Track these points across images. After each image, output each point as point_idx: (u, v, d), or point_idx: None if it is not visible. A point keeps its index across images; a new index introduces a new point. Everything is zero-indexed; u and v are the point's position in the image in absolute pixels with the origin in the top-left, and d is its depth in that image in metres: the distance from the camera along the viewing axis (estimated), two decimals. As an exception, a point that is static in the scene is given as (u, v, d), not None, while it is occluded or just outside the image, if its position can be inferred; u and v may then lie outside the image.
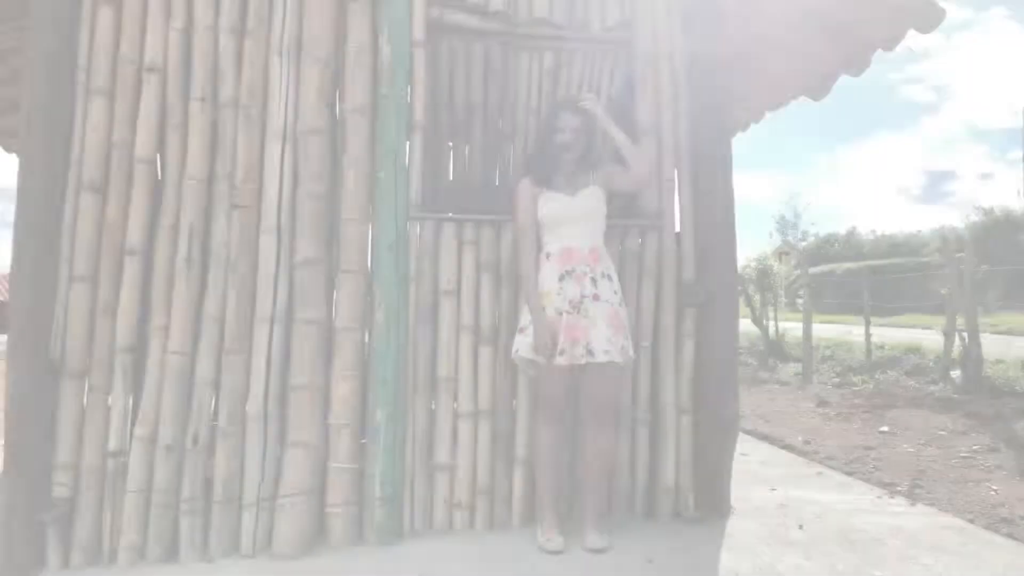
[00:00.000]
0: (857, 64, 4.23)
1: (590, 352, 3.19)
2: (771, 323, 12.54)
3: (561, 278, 3.28)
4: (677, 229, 3.81)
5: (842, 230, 46.87)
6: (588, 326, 3.21)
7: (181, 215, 3.34)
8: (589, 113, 3.47)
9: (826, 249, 40.27)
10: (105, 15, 3.36)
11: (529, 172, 3.50)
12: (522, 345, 3.31)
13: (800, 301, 11.89)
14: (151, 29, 3.39)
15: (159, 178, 3.41)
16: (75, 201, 3.29)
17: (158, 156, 3.41)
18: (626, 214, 3.73)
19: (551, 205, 3.36)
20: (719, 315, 3.72)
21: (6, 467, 3.15)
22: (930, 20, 3.66)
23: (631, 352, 3.36)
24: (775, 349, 11.68)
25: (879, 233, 44.40)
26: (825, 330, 13.41)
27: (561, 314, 3.24)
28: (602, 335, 3.21)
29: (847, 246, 41.50)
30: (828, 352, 11.06)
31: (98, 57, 3.34)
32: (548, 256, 3.35)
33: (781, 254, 15.79)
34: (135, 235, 3.33)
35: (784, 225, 49.09)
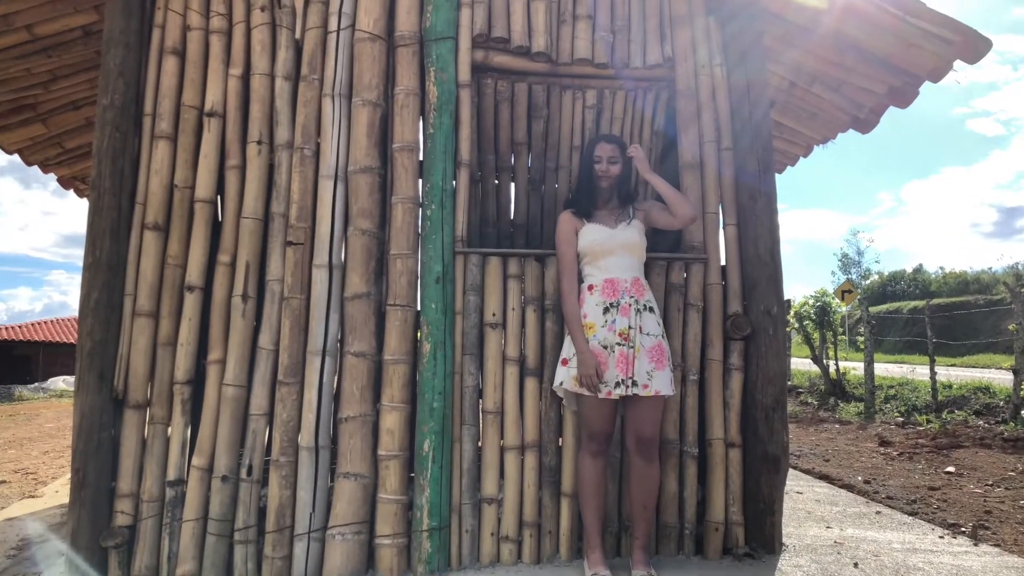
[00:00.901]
0: (904, 96, 4.19)
1: (634, 385, 3.20)
2: (831, 362, 12.25)
3: (606, 310, 3.30)
4: (723, 263, 3.81)
5: (908, 267, 45.61)
6: (632, 359, 3.22)
7: (238, 252, 3.49)
8: (630, 153, 3.52)
9: (892, 287, 39.22)
10: (170, 64, 3.57)
11: (570, 205, 3.56)
12: (566, 377, 3.34)
13: (861, 339, 11.60)
14: (212, 76, 3.59)
15: (218, 217, 3.57)
16: (139, 240, 3.48)
17: (217, 196, 3.57)
18: (671, 248, 3.75)
19: (592, 236, 3.40)
20: (767, 348, 3.69)
21: (72, 496, 3.29)
22: (976, 51, 3.63)
23: (673, 386, 3.36)
24: (836, 388, 11.39)
25: (948, 270, 43.05)
26: (889, 370, 13.06)
27: (606, 347, 3.26)
28: (644, 368, 3.22)
29: (913, 284, 40.33)
30: (892, 391, 10.74)
31: (163, 104, 3.55)
32: (591, 288, 3.38)
33: (844, 292, 15.44)
34: (194, 272, 3.49)
35: (847, 263, 48.10)
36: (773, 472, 3.64)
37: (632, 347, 3.24)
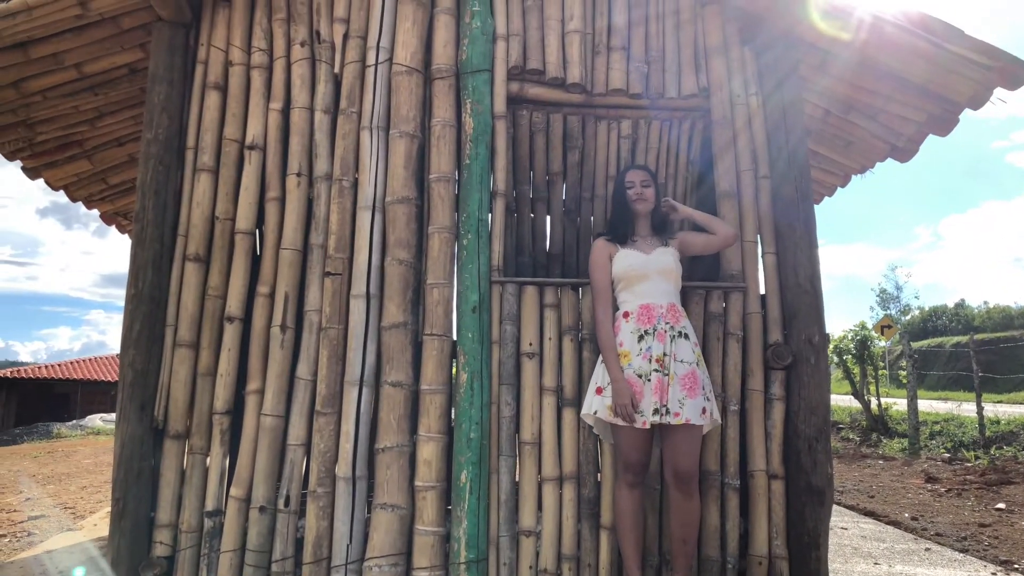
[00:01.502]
0: (944, 124, 4.15)
1: (667, 413, 3.16)
2: (873, 397, 12.00)
3: (641, 338, 3.27)
4: (762, 292, 3.77)
5: (949, 302, 44.65)
6: (667, 387, 3.18)
7: (277, 283, 3.52)
8: (671, 206, 3.53)
9: (932, 322, 38.47)
10: (212, 99, 3.65)
11: (605, 233, 3.56)
12: (600, 406, 3.29)
13: (903, 374, 11.35)
14: (253, 110, 3.66)
15: (257, 249, 3.62)
16: (180, 271, 3.53)
17: (257, 228, 3.62)
18: (709, 277, 3.72)
19: (628, 261, 3.38)
20: (808, 378, 3.62)
21: (112, 525, 3.30)
22: (1016, 77, 3.59)
23: (715, 415, 3.30)
24: (878, 424, 11.14)
25: (991, 305, 42.02)
26: (933, 406, 12.76)
27: (640, 376, 3.22)
28: (677, 396, 3.18)
29: (955, 319, 39.47)
30: (937, 427, 10.48)
31: (205, 138, 3.62)
32: (627, 315, 3.35)
33: (883, 327, 15.18)
34: (234, 303, 3.53)
35: (885, 298, 47.33)
36: (818, 504, 3.54)
37: (667, 374, 3.20)
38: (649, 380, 3.19)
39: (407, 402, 3.44)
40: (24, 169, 4.71)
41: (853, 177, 5.25)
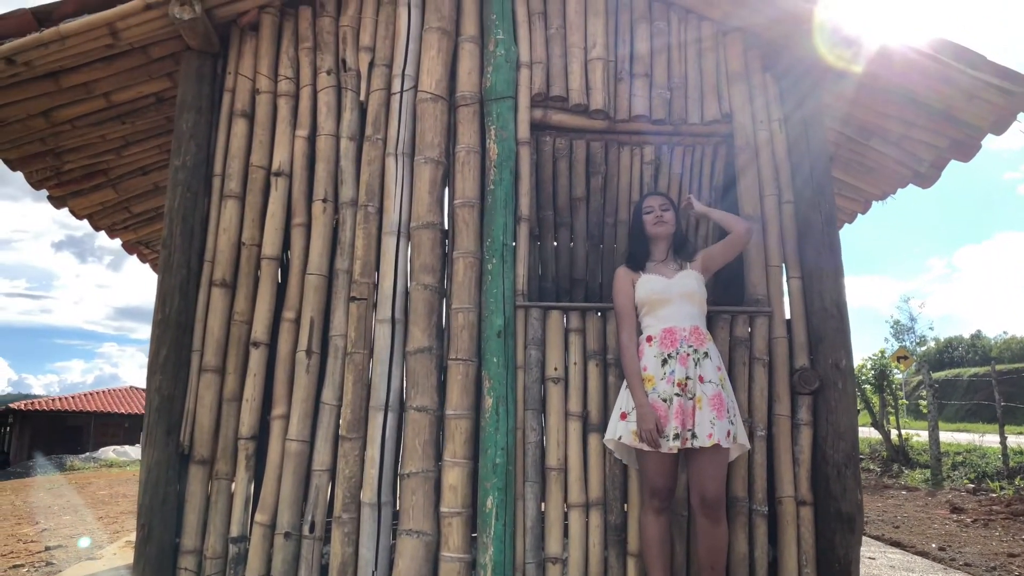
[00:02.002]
0: (966, 150, 4.15)
1: (693, 437, 3.13)
2: (893, 428, 11.86)
3: (664, 361, 3.26)
4: (787, 316, 3.75)
5: (964, 333, 44.15)
6: (692, 410, 3.16)
7: (303, 308, 3.53)
8: (684, 201, 3.54)
9: (949, 353, 38.10)
10: (239, 126, 3.69)
11: (626, 260, 3.56)
12: (625, 432, 3.27)
13: (923, 403, 11.23)
14: (279, 138, 3.70)
15: (283, 274, 3.64)
16: (207, 297, 3.54)
17: (282, 254, 3.64)
18: (735, 301, 3.71)
19: (650, 286, 3.38)
20: (836, 402, 3.59)
21: (137, 551, 3.28)
22: (1040, 101, 3.60)
23: (741, 439, 3.27)
24: (899, 455, 11.01)
25: (1008, 335, 41.50)
26: (953, 437, 12.60)
27: (665, 400, 3.20)
28: (705, 418, 3.16)
29: (972, 350, 39.06)
30: (959, 458, 10.34)
31: (232, 164, 3.66)
32: (650, 339, 3.34)
33: (899, 358, 15.05)
34: (260, 328, 3.54)
35: (900, 330, 46.94)
36: (848, 532, 3.49)
37: (692, 397, 3.18)
38: (672, 404, 3.17)
39: (432, 427, 3.43)
40: (50, 198, 4.75)
41: (873, 203, 5.25)
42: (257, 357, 3.52)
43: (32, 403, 31.14)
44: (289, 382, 3.49)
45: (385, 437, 3.41)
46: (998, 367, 12.55)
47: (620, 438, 3.28)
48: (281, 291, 3.61)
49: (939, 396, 12.41)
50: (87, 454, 25.28)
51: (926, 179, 4.53)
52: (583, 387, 3.56)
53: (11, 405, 31.01)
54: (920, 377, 13.03)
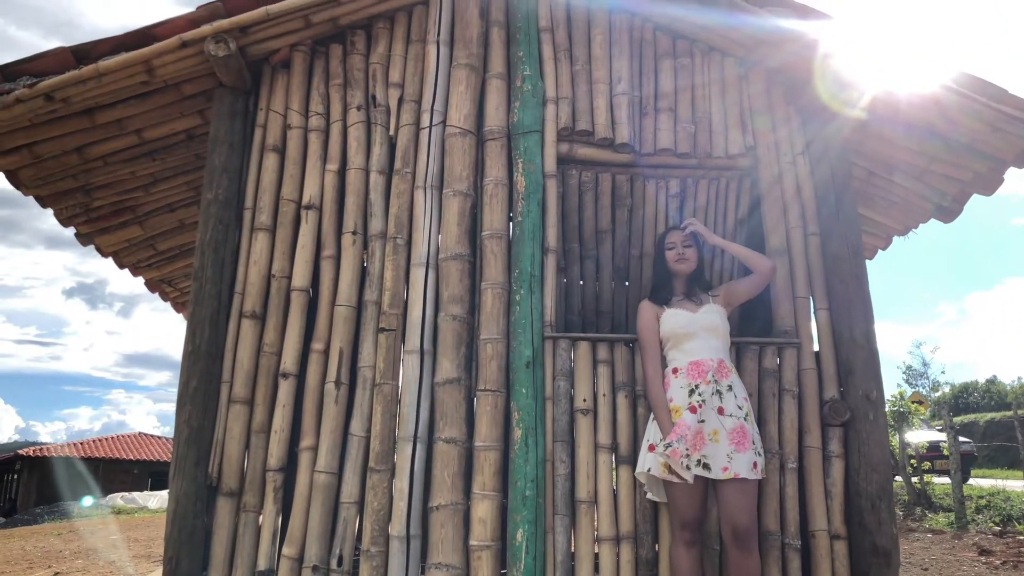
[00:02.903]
0: (989, 183, 4.16)
1: (707, 467, 3.12)
2: (913, 471, 11.70)
3: (691, 392, 3.25)
4: (816, 348, 3.74)
5: (978, 379, 43.60)
6: (712, 440, 3.15)
7: (332, 339, 3.55)
8: (687, 222, 3.56)
9: (964, 399, 37.67)
10: (271, 161, 3.75)
11: (650, 294, 3.57)
12: (653, 464, 3.25)
13: (944, 445, 11.08)
14: (310, 172, 3.76)
15: (311, 306, 3.65)
16: (236, 328, 3.56)
17: (311, 285, 3.67)
18: (763, 333, 3.70)
19: (675, 320, 3.39)
20: (867, 434, 3.56)
21: (163, 584, 3.25)
22: (1063, 133, 3.62)
23: (762, 470, 3.25)
24: (921, 498, 10.85)
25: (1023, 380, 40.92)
26: (974, 482, 12.42)
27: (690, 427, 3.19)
28: (722, 451, 3.15)
29: (987, 395, 38.62)
30: (983, 501, 10.19)
31: (263, 198, 3.71)
32: (676, 371, 3.35)
33: (915, 403, 14.89)
34: (289, 359, 3.54)
35: (912, 375, 46.42)
36: (884, 566, 3.44)
37: (712, 428, 3.17)
38: (697, 433, 3.16)
39: (461, 459, 3.41)
40: (78, 235, 4.80)
41: (895, 238, 5.26)
42: (286, 388, 3.52)
43: (40, 449, 31.03)
44: (318, 413, 3.48)
45: (414, 469, 3.38)
46: (1021, 411, 12.46)
47: (649, 470, 3.26)
48: (310, 322, 3.63)
49: (960, 435, 12.25)
50: (95, 500, 25.11)
51: (949, 213, 4.54)
52: (612, 419, 3.54)
53: (20, 451, 30.90)
54: (937, 423, 12.85)
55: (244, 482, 3.43)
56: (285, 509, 3.44)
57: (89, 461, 30.50)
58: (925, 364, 45.97)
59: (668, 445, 3.13)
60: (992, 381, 41.51)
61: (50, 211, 4.41)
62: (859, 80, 3.76)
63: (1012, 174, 3.74)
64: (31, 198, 4.20)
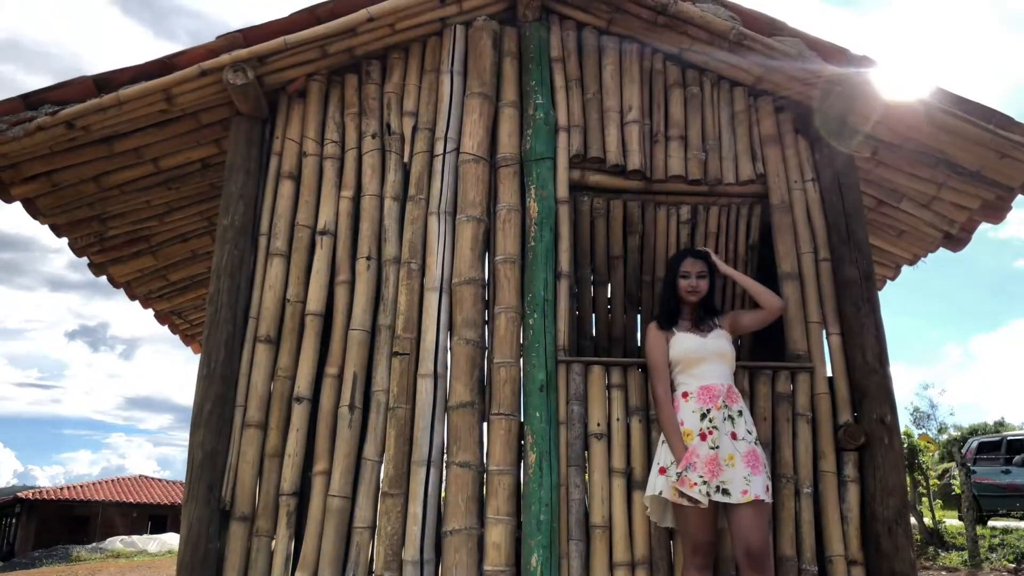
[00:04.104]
0: (997, 211, 4.21)
1: (725, 492, 3.10)
2: (926, 509, 11.55)
3: (702, 417, 3.25)
4: (829, 373, 3.74)
5: (987, 420, 43.11)
6: (721, 465, 3.14)
7: (346, 364, 3.56)
8: (710, 260, 3.59)
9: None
10: (286, 187, 3.80)
11: (656, 319, 3.58)
12: (665, 487, 3.22)
13: (956, 482, 10.96)
14: (325, 198, 3.81)
15: (325, 330, 3.67)
16: (251, 352, 3.57)
17: (326, 310, 3.69)
18: (776, 357, 3.71)
19: (685, 344, 3.39)
20: (883, 458, 3.54)
21: (174, 610, 3.21)
22: (1067, 159, 3.67)
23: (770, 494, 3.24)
24: (934, 537, 10.72)
25: (1035, 421, 40.28)
26: (984, 527, 12.28)
27: (702, 453, 3.18)
28: (741, 474, 3.13)
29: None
30: (995, 540, 10.07)
31: (278, 224, 3.75)
32: (685, 395, 3.33)
33: (925, 443, 14.75)
34: (303, 383, 3.55)
35: (919, 418, 45.98)
36: (903, 593, 3.40)
37: (715, 448, 3.16)
38: (710, 456, 3.15)
39: (475, 483, 3.39)
40: (91, 265, 4.83)
41: (904, 267, 5.29)
42: (300, 412, 3.52)
43: (39, 492, 30.72)
44: (331, 437, 3.48)
45: (428, 493, 3.37)
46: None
47: (660, 492, 3.24)
48: (324, 347, 3.64)
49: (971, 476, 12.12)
50: (94, 544, 24.82)
51: (957, 242, 4.58)
52: (626, 443, 3.53)
53: (19, 495, 30.58)
54: (946, 465, 12.73)
55: (257, 506, 3.42)
56: (298, 534, 3.42)
57: (88, 504, 30.18)
58: (933, 406, 45.41)
59: (679, 474, 3.11)
60: (1001, 423, 41.07)
61: (53, 255, 4.50)
62: (866, 108, 3.82)
63: (1015, 216, 3.76)
64: (34, 240, 4.28)
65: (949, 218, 4.37)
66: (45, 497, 29.62)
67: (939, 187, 4.16)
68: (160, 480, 34.39)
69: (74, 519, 29.99)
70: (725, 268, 3.62)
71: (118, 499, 30.76)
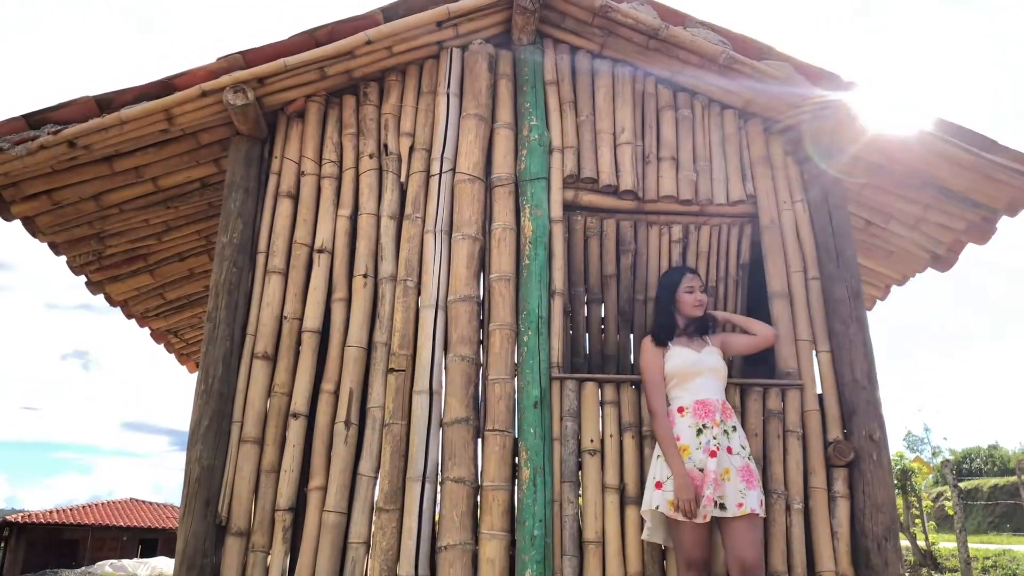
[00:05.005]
0: (982, 232, 4.28)
1: (722, 507, 3.14)
2: (919, 531, 11.58)
3: (699, 432, 3.29)
4: (819, 390, 3.79)
5: (982, 444, 43.06)
6: (720, 480, 3.18)
7: (342, 380, 3.60)
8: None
9: (967, 464, 37.27)
10: (284, 206, 3.86)
11: (652, 333, 3.63)
12: (661, 501, 3.25)
13: (949, 504, 11.01)
14: (323, 217, 3.87)
15: (322, 347, 3.72)
16: (248, 368, 3.61)
17: (322, 327, 3.73)
18: (766, 375, 3.76)
19: (681, 358, 3.44)
20: (871, 474, 3.59)
21: (169, 626, 3.22)
22: (1053, 184, 3.75)
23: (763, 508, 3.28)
24: (927, 559, 10.74)
25: (1026, 445, 40.28)
26: (979, 548, 12.30)
27: (701, 470, 3.22)
28: (737, 487, 3.18)
29: (990, 461, 38.15)
30: (988, 563, 10.10)
31: (276, 242, 3.81)
32: (681, 410, 3.38)
33: (920, 466, 14.81)
34: (299, 399, 3.59)
35: (913, 441, 45.94)
36: (893, 608, 3.43)
37: (722, 468, 3.20)
38: (706, 472, 3.19)
39: (470, 499, 3.42)
40: (88, 284, 4.87)
41: (893, 287, 5.36)
42: (296, 428, 3.55)
43: (27, 515, 30.42)
44: (327, 453, 3.51)
45: (423, 508, 3.40)
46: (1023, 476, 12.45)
47: (657, 507, 3.27)
48: (320, 363, 3.68)
49: (964, 498, 12.17)
50: (83, 569, 24.57)
51: (944, 263, 4.65)
52: (619, 460, 3.57)
53: (7, 518, 30.29)
54: (940, 488, 12.73)
55: (253, 521, 3.44)
56: (293, 549, 3.44)
57: (77, 528, 29.91)
58: (926, 429, 45.25)
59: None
60: (995, 447, 41.06)
61: (46, 277, 4.54)
62: (854, 132, 3.90)
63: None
64: (28, 261, 4.31)
65: (936, 239, 4.46)
66: (34, 520, 29.33)
67: (925, 208, 4.25)
68: (151, 503, 34.07)
69: (63, 543, 29.70)
70: (720, 314, 3.72)
71: (108, 522, 30.48)
